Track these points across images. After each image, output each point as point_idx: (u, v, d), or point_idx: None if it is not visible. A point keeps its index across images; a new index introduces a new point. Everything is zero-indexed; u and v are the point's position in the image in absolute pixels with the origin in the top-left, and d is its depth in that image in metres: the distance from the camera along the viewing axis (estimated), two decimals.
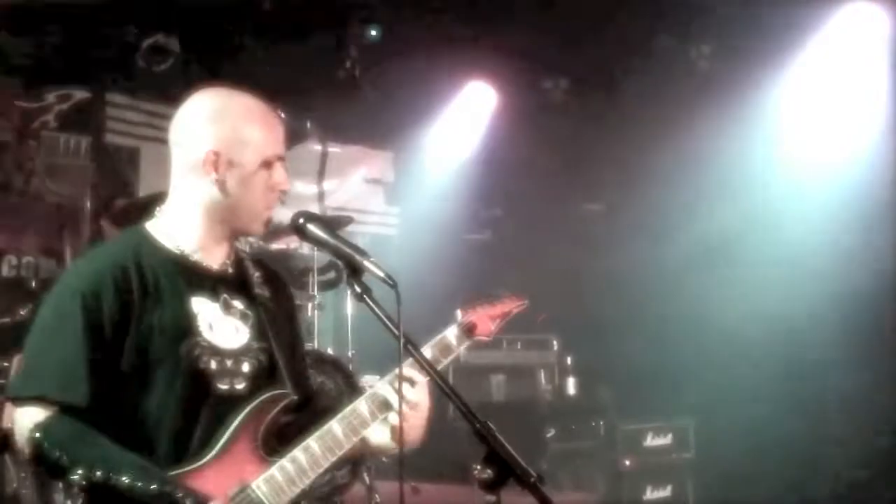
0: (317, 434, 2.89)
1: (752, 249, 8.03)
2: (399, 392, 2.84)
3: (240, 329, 2.96)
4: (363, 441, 2.98)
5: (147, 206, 6.38)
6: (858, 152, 7.74)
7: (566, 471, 7.41)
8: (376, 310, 2.71)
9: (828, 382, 7.93)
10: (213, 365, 2.87)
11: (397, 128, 9.50)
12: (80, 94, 8.01)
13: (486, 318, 3.27)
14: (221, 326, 2.92)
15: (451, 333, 3.17)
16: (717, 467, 7.83)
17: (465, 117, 9.42)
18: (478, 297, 3.31)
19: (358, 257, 2.77)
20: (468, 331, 3.20)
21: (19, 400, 2.80)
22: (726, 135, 7.94)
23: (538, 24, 8.07)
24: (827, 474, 7.86)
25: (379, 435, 3.01)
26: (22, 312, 6.16)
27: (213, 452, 2.80)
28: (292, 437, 2.91)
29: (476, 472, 2.45)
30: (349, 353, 7.02)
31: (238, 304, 2.99)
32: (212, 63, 8.04)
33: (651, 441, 7.84)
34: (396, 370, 2.86)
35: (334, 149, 9.32)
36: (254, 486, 2.79)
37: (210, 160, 2.89)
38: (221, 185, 2.91)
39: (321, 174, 9.25)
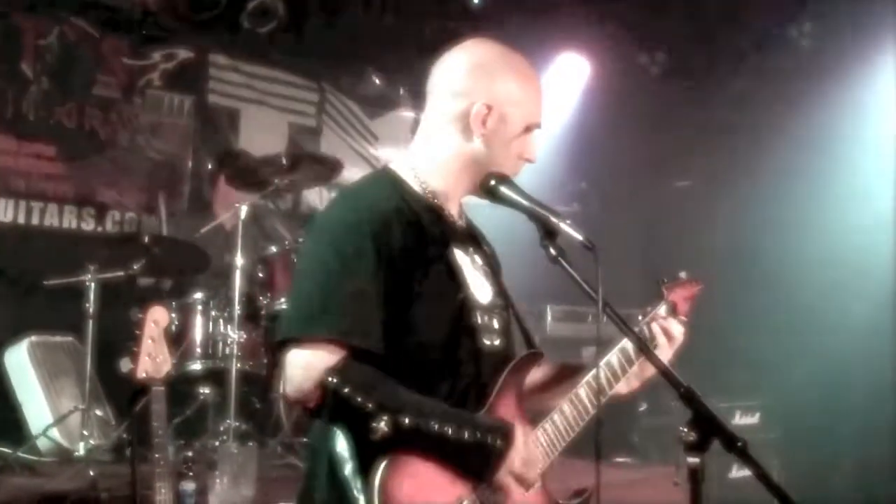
0: (568, 397, 2.87)
1: (854, 228, 7.90)
2: (596, 363, 2.91)
3: (485, 284, 2.89)
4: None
5: (259, 168, 6.52)
6: None
7: (655, 444, 7.44)
8: (573, 272, 2.66)
9: None
10: (479, 319, 2.80)
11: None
12: (184, 54, 8.10)
13: (682, 299, 3.19)
14: (475, 280, 2.85)
15: (661, 311, 3.10)
16: (804, 449, 7.81)
17: (558, 88, 9.37)
18: (668, 279, 3.22)
19: (553, 219, 2.69)
20: (673, 309, 3.13)
21: (302, 342, 2.59)
22: (829, 115, 7.85)
23: None
24: None
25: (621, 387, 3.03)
26: (135, 266, 6.28)
27: (486, 407, 2.73)
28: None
29: (682, 434, 2.43)
30: None
31: (478, 259, 2.92)
32: (312, 27, 8.10)
33: (739, 420, 7.83)
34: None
35: None
36: (536, 434, 2.79)
37: (482, 114, 2.78)
38: (488, 140, 2.80)
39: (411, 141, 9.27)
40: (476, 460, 2.60)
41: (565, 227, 2.69)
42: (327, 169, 6.89)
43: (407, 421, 2.50)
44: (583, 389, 2.89)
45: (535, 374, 3.00)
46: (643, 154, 9.29)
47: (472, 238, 2.96)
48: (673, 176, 9.64)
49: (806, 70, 8.20)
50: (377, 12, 8.27)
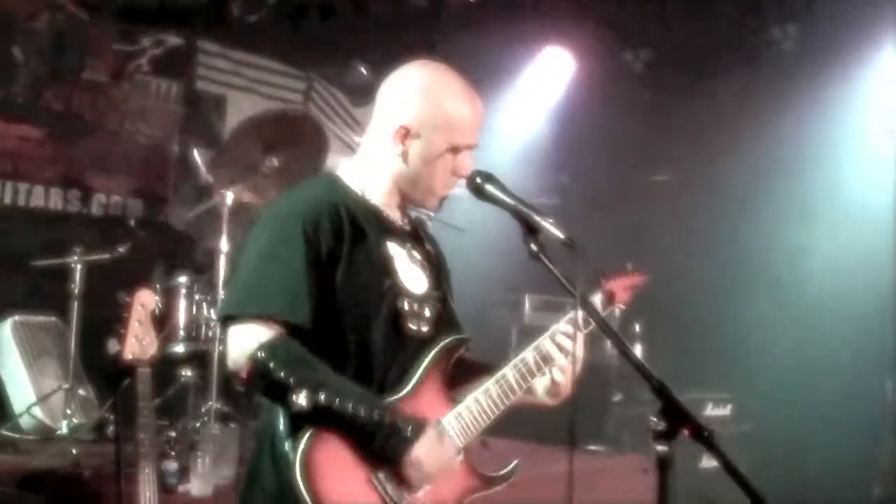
0: (494, 378, 3.02)
1: (829, 228, 8.04)
2: (573, 353, 3.05)
3: (421, 276, 3.09)
4: (526, 391, 3.09)
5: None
6: None
7: (629, 434, 7.54)
8: (554, 270, 2.80)
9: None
10: (406, 306, 2.99)
11: (474, 88, 9.52)
12: (173, 40, 8.15)
13: (622, 288, 3.31)
14: (409, 271, 3.05)
15: (596, 300, 3.22)
16: (775, 441, 7.93)
17: (542, 82, 9.46)
18: (609, 271, 3.34)
19: (536, 217, 2.84)
20: (609, 298, 3.26)
21: (239, 319, 2.85)
22: (809, 118, 7.97)
23: None
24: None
25: (540, 387, 3.13)
26: (120, 249, 6.36)
27: (408, 388, 2.93)
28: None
29: (651, 423, 2.54)
30: None
31: (417, 254, 3.12)
32: (303, 20, 8.17)
33: (710, 411, 7.94)
34: (558, 325, 3.05)
35: None
36: (445, 421, 2.93)
37: (400, 134, 2.98)
38: (407, 157, 3.00)
39: None
40: (385, 443, 2.78)
41: (548, 225, 2.82)
42: (315, 147, 6.90)
43: (323, 398, 2.72)
44: (511, 371, 3.04)
45: (468, 360, 3.15)
46: (625, 148, 9.36)
47: (413, 236, 3.15)
48: (654, 170, 9.74)
49: (788, 70, 8.31)
50: (365, 3, 8.33)
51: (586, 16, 8.61)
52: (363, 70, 8.83)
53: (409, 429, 2.82)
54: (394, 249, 3.04)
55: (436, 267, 3.18)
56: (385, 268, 2.99)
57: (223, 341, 5.82)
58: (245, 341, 2.81)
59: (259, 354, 2.76)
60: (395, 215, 3.10)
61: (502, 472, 3.11)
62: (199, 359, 6.33)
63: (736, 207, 8.59)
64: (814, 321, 7.99)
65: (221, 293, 6.22)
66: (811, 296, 8.04)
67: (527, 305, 8.35)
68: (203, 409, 6.05)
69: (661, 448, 2.53)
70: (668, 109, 9.08)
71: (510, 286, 8.47)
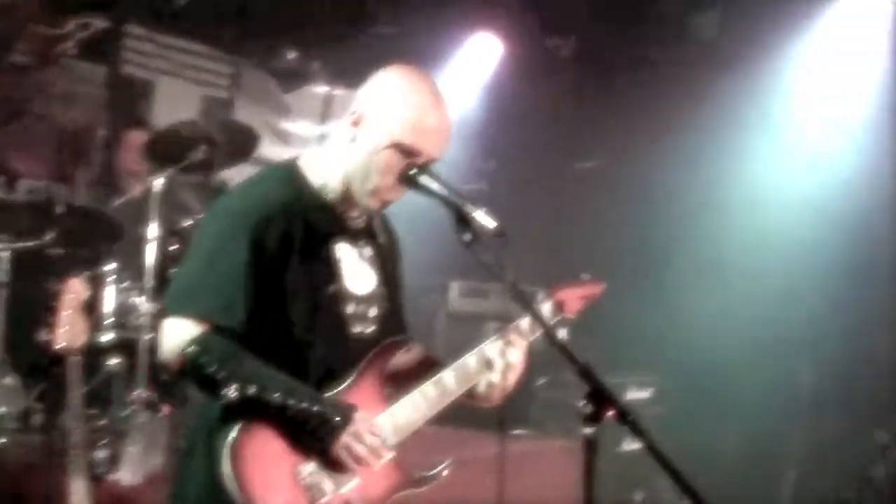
0: (433, 380, 3.10)
1: (745, 214, 8.22)
2: (506, 346, 3.17)
3: (369, 275, 3.16)
4: (468, 392, 3.19)
5: (179, 141, 6.54)
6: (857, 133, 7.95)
7: (554, 419, 7.63)
8: (484, 259, 2.89)
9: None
10: (350, 310, 3.07)
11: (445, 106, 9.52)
12: (99, 23, 8.05)
13: (575, 297, 3.42)
14: (357, 272, 3.12)
15: (545, 308, 3.31)
16: (693, 424, 8.08)
17: (470, 67, 9.49)
18: (565, 281, 3.46)
19: (467, 208, 2.92)
20: (558, 307, 3.34)
21: (174, 313, 2.94)
22: (730, 103, 8.12)
23: None
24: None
25: (477, 389, 3.21)
26: (47, 237, 6.29)
27: (343, 387, 3.01)
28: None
29: (580, 406, 2.63)
30: None
31: (368, 251, 3.17)
32: (231, 4, 8.13)
33: (631, 394, 8.06)
34: (504, 331, 3.17)
35: (339, 91, 9.39)
36: (377, 420, 3.00)
37: (352, 119, 3.05)
38: (352, 142, 3.05)
39: (325, 116, 9.34)
40: (315, 432, 2.87)
41: (478, 215, 2.92)
42: (243, 141, 6.94)
43: (252, 390, 2.82)
44: (451, 374, 3.12)
45: (407, 361, 3.24)
46: (552, 135, 9.46)
47: (366, 232, 3.19)
48: (580, 157, 9.84)
49: (708, 58, 8.46)
50: None
51: (513, 2, 8.68)
52: (291, 55, 8.81)
53: (338, 415, 2.89)
54: (343, 250, 3.10)
55: (386, 260, 3.23)
56: (331, 271, 3.05)
57: (153, 329, 5.89)
58: (178, 335, 2.90)
59: (190, 349, 2.86)
60: (349, 211, 3.12)
61: (432, 472, 3.17)
62: (126, 347, 6.30)
63: (658, 193, 8.73)
64: (731, 304, 8.19)
65: (150, 281, 6.21)
66: (729, 279, 8.24)
67: (454, 291, 8.40)
68: (131, 398, 6.03)
69: (587, 430, 2.63)
70: (594, 96, 9.20)
71: (437, 271, 8.53)
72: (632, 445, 7.90)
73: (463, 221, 2.93)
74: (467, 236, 2.91)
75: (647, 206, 8.80)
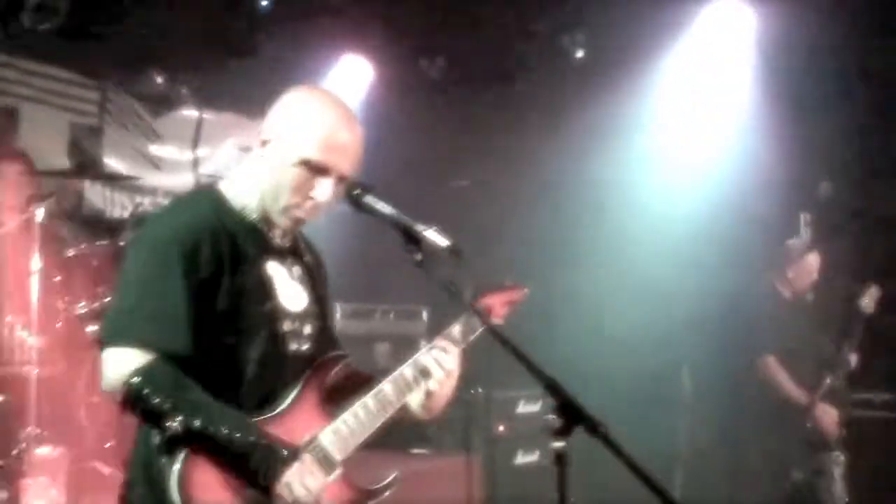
0: (372, 392, 3.10)
1: (620, 224, 8.45)
2: (440, 353, 3.19)
3: (301, 293, 3.14)
4: (403, 406, 3.19)
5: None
6: (726, 145, 8.26)
7: (452, 436, 7.63)
8: (437, 279, 2.90)
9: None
10: (287, 327, 3.05)
11: (272, 97, 9.48)
12: None
13: (500, 304, 3.49)
14: (289, 290, 3.10)
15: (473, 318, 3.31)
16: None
17: (341, 90, 9.47)
18: (487, 285, 3.51)
19: (418, 227, 2.93)
20: (486, 312, 3.38)
21: (115, 343, 2.86)
22: (600, 122, 8.33)
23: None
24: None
25: (414, 401, 3.22)
26: None
27: (283, 406, 2.99)
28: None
29: (548, 421, 2.65)
30: None
31: (297, 270, 3.16)
32: (97, 25, 7.91)
33: (522, 408, 8.15)
34: (436, 340, 3.19)
35: (209, 116, 9.25)
36: (321, 436, 2.99)
37: (261, 140, 3.04)
38: (261, 162, 3.04)
39: (196, 141, 9.18)
40: (255, 468, 2.82)
41: (430, 234, 2.93)
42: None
43: (197, 423, 2.76)
44: (389, 385, 3.14)
45: (342, 377, 3.22)
46: (424, 155, 9.51)
47: (292, 251, 3.18)
48: (453, 175, 9.92)
49: (578, 76, 8.65)
50: (162, 11, 8.14)
51: (382, 24, 8.71)
52: (159, 79, 8.63)
53: (282, 454, 2.86)
54: (273, 269, 3.08)
55: (315, 279, 3.22)
56: (265, 290, 3.02)
57: (40, 364, 5.68)
58: (121, 366, 2.82)
59: (134, 380, 2.79)
60: (273, 232, 3.11)
61: (382, 484, 3.17)
62: (13, 382, 6.07)
63: (531, 209, 8.87)
64: (613, 306, 8.42)
65: (34, 314, 6.01)
66: (610, 281, 8.46)
67: (337, 314, 8.35)
68: (24, 435, 5.81)
69: (557, 444, 2.64)
70: (464, 116, 9.30)
71: None
72: (526, 458, 8.01)
73: (412, 241, 2.93)
74: (418, 256, 2.91)
75: (519, 219, 8.93)
